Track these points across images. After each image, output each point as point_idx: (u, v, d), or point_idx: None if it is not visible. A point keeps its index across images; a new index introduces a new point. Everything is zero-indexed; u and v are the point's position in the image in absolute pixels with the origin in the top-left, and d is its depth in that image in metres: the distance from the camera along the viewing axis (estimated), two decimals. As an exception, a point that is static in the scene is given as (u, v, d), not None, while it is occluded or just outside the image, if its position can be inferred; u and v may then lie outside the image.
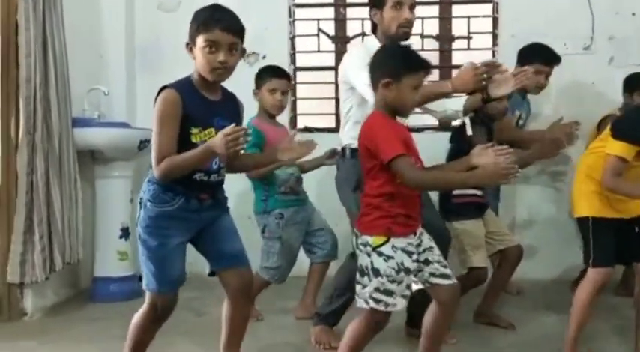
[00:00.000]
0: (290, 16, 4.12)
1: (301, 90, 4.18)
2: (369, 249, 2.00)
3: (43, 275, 3.04)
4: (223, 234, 2.13)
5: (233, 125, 1.88)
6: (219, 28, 1.95)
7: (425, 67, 2.05)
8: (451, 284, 2.08)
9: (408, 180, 1.95)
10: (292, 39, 4.14)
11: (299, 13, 4.17)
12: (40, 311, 3.17)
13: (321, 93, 4.14)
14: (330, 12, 4.18)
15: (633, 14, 3.88)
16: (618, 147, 2.25)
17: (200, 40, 1.96)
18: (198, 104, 2.00)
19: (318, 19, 4.13)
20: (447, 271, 2.08)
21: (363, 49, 2.51)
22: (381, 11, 2.59)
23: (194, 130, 1.98)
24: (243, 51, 2.08)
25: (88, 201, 3.51)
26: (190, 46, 2.01)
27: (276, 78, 3.01)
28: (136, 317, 2.09)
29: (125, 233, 3.50)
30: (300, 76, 4.17)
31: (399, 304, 2.01)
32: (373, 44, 2.60)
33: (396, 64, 2.03)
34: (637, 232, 2.40)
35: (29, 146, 3.00)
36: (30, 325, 3.05)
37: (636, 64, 3.50)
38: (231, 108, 2.10)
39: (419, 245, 2.06)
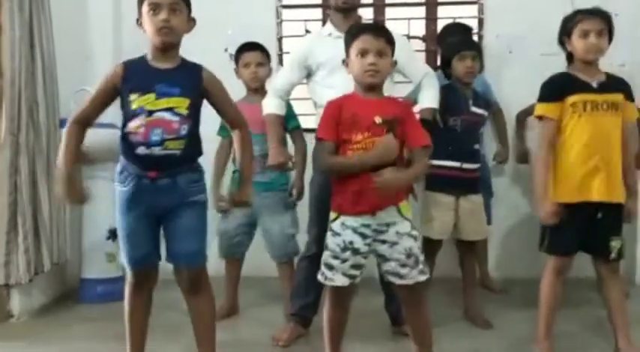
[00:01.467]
0: (277, 17, 4.13)
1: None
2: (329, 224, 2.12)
3: (27, 277, 3.02)
4: (180, 233, 2.14)
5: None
6: None
7: (360, 31, 2.12)
8: (403, 285, 2.10)
9: (317, 164, 2.03)
10: (280, 40, 4.15)
11: (286, 14, 4.18)
12: (27, 312, 3.16)
13: (308, 94, 4.14)
14: (317, 13, 4.20)
15: (616, 15, 3.90)
16: (537, 109, 2.43)
17: (144, 7, 2.06)
18: (141, 72, 2.08)
19: (306, 20, 4.14)
20: (403, 271, 2.08)
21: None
22: None
23: (132, 97, 2.05)
24: (193, 20, 2.15)
25: (75, 202, 3.49)
26: (140, 20, 2.10)
27: (246, 51, 3.07)
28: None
29: (112, 234, 3.48)
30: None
31: (338, 280, 2.08)
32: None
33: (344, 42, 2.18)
34: (599, 219, 2.38)
35: (12, 147, 2.98)
36: (17, 326, 3.04)
37: (619, 65, 3.54)
38: (185, 76, 2.11)
39: (379, 232, 2.07)
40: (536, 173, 2.42)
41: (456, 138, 2.84)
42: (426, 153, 2.15)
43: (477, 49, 2.97)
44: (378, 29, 2.15)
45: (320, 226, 2.66)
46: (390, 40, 2.12)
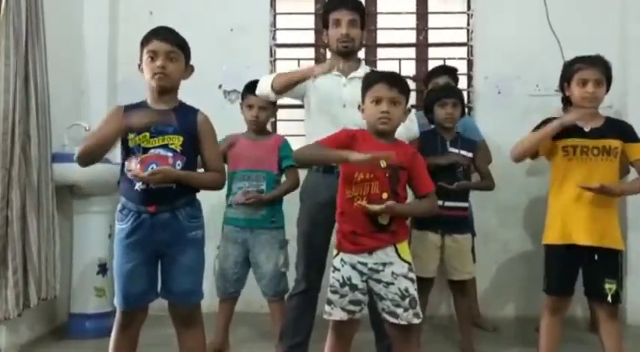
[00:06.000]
0: (271, 56, 4.20)
1: (281, 128, 4.23)
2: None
3: (15, 312, 2.97)
4: (178, 271, 2.17)
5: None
6: (157, 39, 2.15)
7: (376, 79, 2.18)
8: (395, 324, 2.12)
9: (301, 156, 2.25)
10: (273, 78, 4.20)
11: (280, 52, 4.25)
12: (15, 347, 3.11)
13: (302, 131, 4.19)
14: (310, 52, 4.27)
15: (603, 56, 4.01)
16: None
17: (144, 54, 2.16)
18: (137, 113, 2.15)
19: (299, 59, 4.20)
20: (397, 310, 2.11)
21: None
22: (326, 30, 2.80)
23: (130, 136, 2.13)
24: (192, 67, 2.25)
25: (65, 237, 3.48)
26: (141, 66, 2.19)
27: (252, 94, 3.08)
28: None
29: (102, 269, 3.47)
30: (281, 113, 4.22)
31: (336, 315, 2.12)
32: None
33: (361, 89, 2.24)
34: (593, 261, 2.40)
35: (4, 181, 2.97)
36: (3, 362, 2.99)
37: (607, 106, 3.61)
38: (180, 117, 2.18)
39: (375, 271, 2.10)
40: (526, 140, 2.53)
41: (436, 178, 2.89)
42: (431, 198, 2.24)
43: (457, 96, 3.08)
44: (393, 78, 2.20)
45: (307, 262, 2.68)
46: (404, 90, 2.18)
